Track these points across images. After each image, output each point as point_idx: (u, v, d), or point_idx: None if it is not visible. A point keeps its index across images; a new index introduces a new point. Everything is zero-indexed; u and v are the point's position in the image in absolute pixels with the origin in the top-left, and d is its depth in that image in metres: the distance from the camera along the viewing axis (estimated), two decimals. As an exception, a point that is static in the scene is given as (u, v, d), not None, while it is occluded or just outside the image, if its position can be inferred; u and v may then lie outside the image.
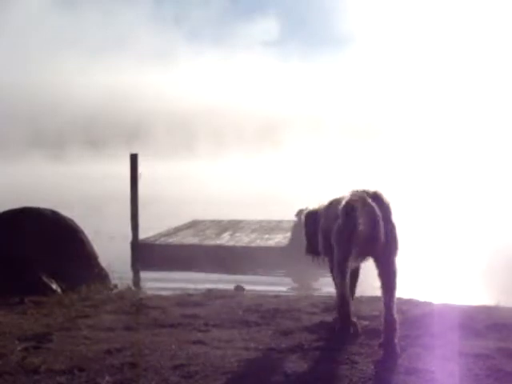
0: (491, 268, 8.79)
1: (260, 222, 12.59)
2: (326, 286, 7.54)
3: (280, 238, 10.58)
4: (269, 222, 11.78)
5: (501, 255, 9.71)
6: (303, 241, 5.17)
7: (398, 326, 3.73)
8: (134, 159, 9.98)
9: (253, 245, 10.36)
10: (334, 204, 4.18)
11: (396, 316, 3.74)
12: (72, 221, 6.82)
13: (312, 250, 4.66)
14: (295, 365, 3.50)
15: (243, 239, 10.84)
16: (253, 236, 11.11)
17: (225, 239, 10.87)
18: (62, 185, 25.16)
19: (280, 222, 12.36)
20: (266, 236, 11.02)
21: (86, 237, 6.84)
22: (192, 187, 23.87)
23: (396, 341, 3.69)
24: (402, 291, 6.12)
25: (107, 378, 3.33)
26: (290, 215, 12.75)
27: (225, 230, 11.83)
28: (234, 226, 12.43)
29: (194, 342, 4.03)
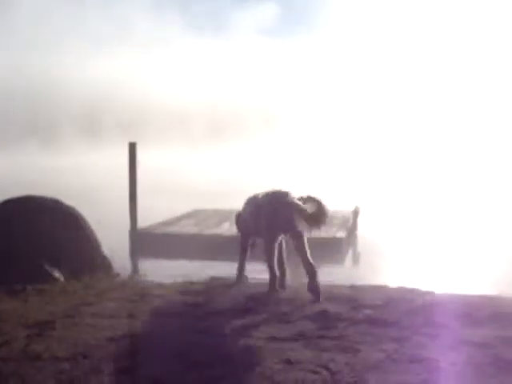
0: (494, 257, 8.78)
1: None
2: (325, 276, 7.52)
3: None
4: None
5: (503, 244, 9.70)
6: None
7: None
8: (132, 148, 9.94)
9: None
10: (250, 200, 5.73)
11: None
12: (74, 209, 6.80)
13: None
14: (298, 353, 3.51)
15: None
16: None
17: (225, 228, 10.79)
18: (60, 174, 25.06)
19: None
20: None
21: (88, 225, 6.83)
22: (190, 177, 23.79)
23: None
24: (405, 281, 6.14)
25: (110, 365, 3.34)
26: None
27: (226, 219, 11.70)
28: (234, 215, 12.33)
29: (197, 331, 4.04)
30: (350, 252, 10.14)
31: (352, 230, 11.10)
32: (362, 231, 11.54)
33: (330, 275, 7.35)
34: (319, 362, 3.34)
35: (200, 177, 24.09)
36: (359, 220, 12.02)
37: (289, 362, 3.36)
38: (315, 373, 3.21)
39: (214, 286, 5.84)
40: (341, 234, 9.99)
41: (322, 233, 10.06)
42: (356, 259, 9.80)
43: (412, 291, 5.43)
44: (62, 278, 6.25)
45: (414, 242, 10.15)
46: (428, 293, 5.38)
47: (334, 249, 9.30)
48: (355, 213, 11.59)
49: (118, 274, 7.01)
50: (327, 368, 3.27)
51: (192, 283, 6.30)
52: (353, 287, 5.76)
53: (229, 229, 10.75)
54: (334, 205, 12.99)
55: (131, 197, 9.88)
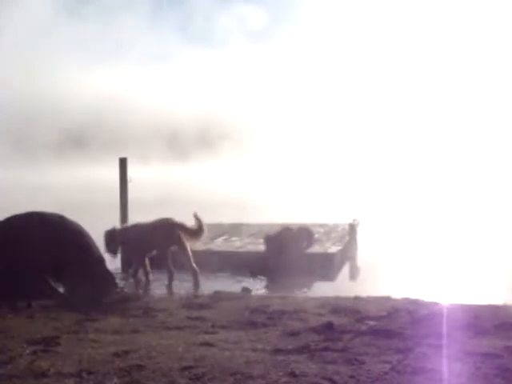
0: (498, 267, 8.75)
1: (261, 225, 12.16)
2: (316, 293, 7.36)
3: None
4: (271, 225, 11.41)
5: (507, 254, 9.66)
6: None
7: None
8: (123, 163, 9.86)
9: (241, 250, 10.05)
10: (137, 227, 7.99)
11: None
12: (79, 225, 6.83)
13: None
14: (303, 365, 3.50)
15: (235, 244, 10.49)
16: (247, 240, 10.69)
17: (216, 244, 10.42)
18: (55, 189, 24.92)
19: (281, 225, 11.86)
20: (261, 240, 10.65)
21: (92, 241, 6.86)
22: (180, 191, 23.56)
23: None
24: (409, 291, 6.13)
25: (115, 380, 3.34)
26: (291, 218, 12.58)
27: (222, 233, 11.40)
28: (233, 229, 11.97)
29: (202, 344, 4.04)
30: (347, 267, 9.89)
31: (350, 245, 10.68)
32: (364, 244, 11.29)
33: (320, 292, 7.23)
34: (324, 375, 3.33)
35: (190, 190, 23.86)
36: (360, 233, 11.75)
37: (294, 374, 3.35)
38: (320, 385, 3.20)
39: (218, 299, 5.85)
40: (333, 249, 9.70)
41: (315, 247, 9.90)
42: (354, 274, 9.51)
43: (416, 302, 5.43)
44: (66, 294, 6.27)
45: (418, 253, 10.10)
46: (432, 303, 5.38)
47: (325, 264, 9.08)
48: (352, 226, 11.07)
49: (121, 289, 7.03)
50: (332, 380, 3.25)
51: (196, 297, 6.32)
52: (357, 299, 5.76)
53: (220, 244, 10.49)
54: (333, 218, 12.88)
55: (122, 212, 9.76)
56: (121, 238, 7.87)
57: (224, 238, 11.09)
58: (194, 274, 7.81)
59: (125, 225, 8.49)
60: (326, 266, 9.08)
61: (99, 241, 7.31)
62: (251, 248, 10.04)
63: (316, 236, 10.49)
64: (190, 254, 7.89)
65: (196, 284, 7.75)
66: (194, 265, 7.83)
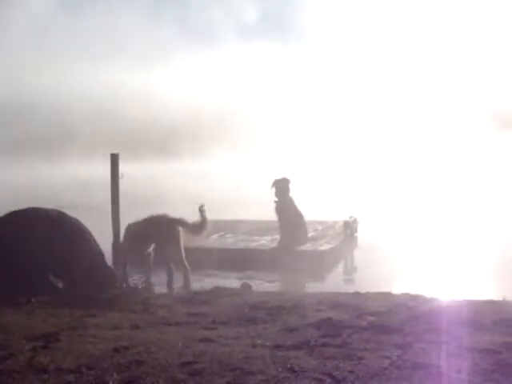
0: (498, 263, 8.75)
1: (259, 222, 12.04)
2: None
3: (266, 241, 10.19)
4: (272, 221, 11.30)
5: (507, 249, 9.67)
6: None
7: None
8: (114, 159, 9.74)
9: (231, 247, 10.00)
10: (136, 225, 7.82)
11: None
12: (78, 221, 6.83)
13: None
14: (302, 361, 3.51)
15: (228, 241, 10.45)
16: (241, 237, 10.62)
17: (210, 241, 10.09)
18: (48, 186, 24.77)
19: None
20: (256, 237, 10.45)
21: (92, 237, 6.86)
22: (173, 189, 23.39)
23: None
24: (409, 287, 6.13)
25: (115, 375, 3.34)
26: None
27: (218, 230, 11.25)
28: (230, 226, 11.80)
29: (201, 340, 4.05)
30: (342, 265, 9.79)
31: (345, 242, 10.46)
32: (364, 240, 11.20)
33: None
34: (323, 370, 3.34)
35: (184, 187, 23.69)
36: (360, 229, 11.66)
37: (293, 369, 3.35)
38: (319, 381, 3.21)
39: (218, 295, 5.86)
40: (324, 247, 9.53)
41: (307, 245, 9.80)
42: (349, 273, 9.33)
43: (416, 298, 5.43)
44: (66, 290, 6.27)
45: (418, 249, 10.10)
46: (432, 299, 5.38)
47: (316, 262, 8.89)
48: (347, 223, 10.80)
49: (121, 285, 7.04)
50: (331, 376, 3.26)
51: (196, 293, 6.33)
52: (356, 295, 5.77)
53: (214, 241, 10.39)
54: (334, 215, 12.81)
55: (114, 208, 9.66)
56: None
57: (219, 234, 11.03)
58: (185, 273, 7.57)
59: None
60: (316, 264, 8.94)
61: (97, 236, 7.26)
62: (242, 245, 9.98)
63: (312, 233, 10.43)
64: (183, 252, 7.65)
65: (186, 283, 7.53)
66: (186, 263, 7.60)
